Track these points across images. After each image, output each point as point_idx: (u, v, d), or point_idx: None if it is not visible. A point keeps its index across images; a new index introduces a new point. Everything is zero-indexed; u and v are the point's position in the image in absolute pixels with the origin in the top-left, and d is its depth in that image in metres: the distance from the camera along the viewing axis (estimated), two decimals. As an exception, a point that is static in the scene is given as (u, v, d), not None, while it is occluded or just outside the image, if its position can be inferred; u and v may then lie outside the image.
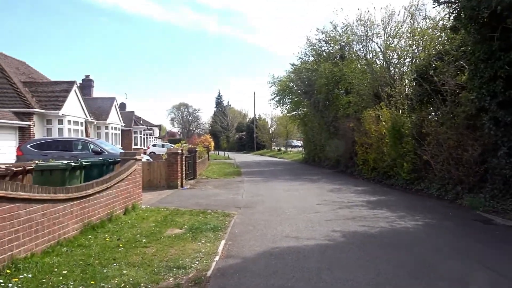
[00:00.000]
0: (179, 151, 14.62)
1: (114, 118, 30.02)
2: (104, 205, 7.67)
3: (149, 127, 56.98)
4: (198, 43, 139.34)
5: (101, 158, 9.60)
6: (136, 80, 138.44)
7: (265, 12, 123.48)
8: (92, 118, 26.13)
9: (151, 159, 17.74)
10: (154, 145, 45.81)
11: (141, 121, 51.14)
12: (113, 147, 18.71)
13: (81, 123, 23.85)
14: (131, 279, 4.78)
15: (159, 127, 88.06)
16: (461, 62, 11.25)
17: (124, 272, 5.03)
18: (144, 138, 46.52)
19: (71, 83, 22.88)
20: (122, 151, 15.08)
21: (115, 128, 30.49)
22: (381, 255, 5.81)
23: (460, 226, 8.09)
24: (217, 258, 5.75)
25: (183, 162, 15.17)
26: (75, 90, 22.98)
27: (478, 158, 10.38)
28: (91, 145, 16.76)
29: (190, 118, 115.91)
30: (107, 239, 6.70)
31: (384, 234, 7.18)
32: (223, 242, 6.67)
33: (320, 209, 9.81)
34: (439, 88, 11.65)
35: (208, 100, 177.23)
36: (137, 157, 9.69)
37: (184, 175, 15.26)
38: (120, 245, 6.37)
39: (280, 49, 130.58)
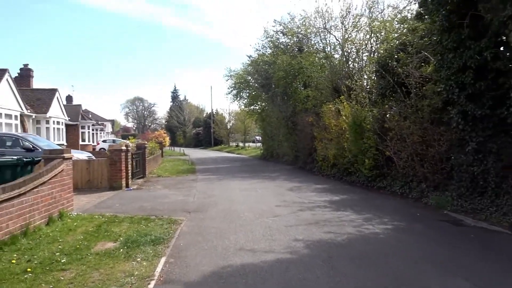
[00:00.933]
0: (123, 148, 13.08)
1: (56, 112, 27.44)
2: (15, 216, 6.18)
3: (99, 122, 53.94)
4: (154, 36, 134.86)
5: (14, 158, 7.99)
6: (89, 73, 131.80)
7: (222, 5, 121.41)
8: (29, 111, 23.62)
9: (93, 157, 16.02)
10: (104, 141, 43.11)
11: (90, 115, 48.04)
12: (49, 143, 16.75)
13: (16, 116, 21.37)
14: (25, 326, 3.49)
15: (112, 122, 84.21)
16: (425, 53, 10.67)
17: (19, 314, 3.72)
18: (93, 133, 43.52)
19: (3, 71, 20.33)
20: (58, 147, 13.33)
21: (58, 123, 27.88)
22: (353, 272, 4.88)
23: (431, 229, 7.39)
24: (152, 284, 4.55)
25: (129, 160, 13.65)
26: (7, 79, 20.47)
27: (444, 154, 9.85)
28: (22, 141, 14.82)
29: (145, 112, 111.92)
30: (13, 261, 5.28)
31: (352, 242, 6.29)
32: (163, 260, 5.46)
33: (279, 212, 8.82)
34: (403, 80, 11.04)
35: (164, 94, 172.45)
36: (66, 155, 8.18)
37: (130, 174, 13.74)
38: (29, 269, 4.99)
39: (237, 44, 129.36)
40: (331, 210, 8.99)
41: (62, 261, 5.35)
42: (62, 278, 4.74)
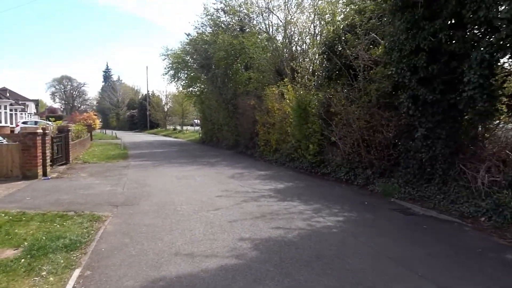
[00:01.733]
0: (39, 131, 11.27)
1: (-39, 88, 23.82)
2: None
3: (20, 102, 48.75)
4: (86, 13, 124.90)
5: None
6: (11, 49, 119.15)
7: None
8: None
9: (4, 141, 13.84)
10: (24, 123, 38.84)
11: (8, 94, 43.19)
12: None
13: None
14: None
15: (37, 102, 76.97)
16: (374, 35, 10.25)
17: None
18: (12, 114, 39.16)
19: None
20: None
21: (-36, 101, 24.29)
22: (311, 280, 4.16)
23: (383, 219, 6.98)
24: (56, 312, 3.46)
25: (47, 145, 11.85)
26: None
27: (392, 140, 9.58)
28: None
29: (74, 93, 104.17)
30: None
31: (305, 240, 5.59)
32: (77, 272, 4.34)
33: (221, 203, 7.93)
34: (351, 63, 10.57)
35: (96, 74, 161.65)
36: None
37: (48, 160, 11.96)
38: None
39: (173, 24, 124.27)
40: (277, 200, 8.29)
41: None
42: None
